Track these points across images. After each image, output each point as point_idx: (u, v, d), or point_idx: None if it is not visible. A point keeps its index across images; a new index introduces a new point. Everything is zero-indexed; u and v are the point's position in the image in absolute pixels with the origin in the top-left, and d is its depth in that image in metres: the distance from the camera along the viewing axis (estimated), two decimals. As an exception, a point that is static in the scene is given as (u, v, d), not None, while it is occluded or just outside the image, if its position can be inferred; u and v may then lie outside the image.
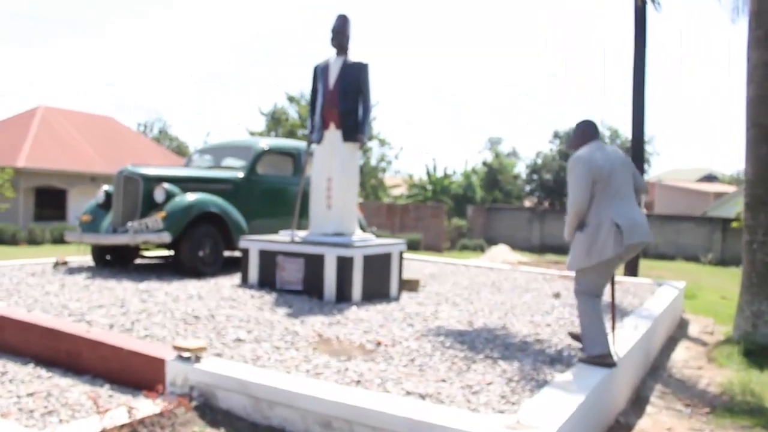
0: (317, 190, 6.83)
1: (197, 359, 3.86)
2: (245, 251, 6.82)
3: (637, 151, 11.15)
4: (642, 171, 11.33)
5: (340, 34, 6.73)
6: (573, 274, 4.56)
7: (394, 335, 4.88)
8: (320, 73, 6.86)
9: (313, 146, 6.94)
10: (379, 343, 4.60)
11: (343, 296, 6.15)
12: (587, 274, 4.39)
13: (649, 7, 11.09)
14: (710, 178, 54.74)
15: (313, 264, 6.30)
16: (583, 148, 4.42)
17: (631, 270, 11.00)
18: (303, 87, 34.45)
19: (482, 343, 4.80)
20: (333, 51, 6.83)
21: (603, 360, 4.23)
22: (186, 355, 3.88)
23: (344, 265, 6.14)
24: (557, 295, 7.29)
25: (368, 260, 6.37)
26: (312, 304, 5.90)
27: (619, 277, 9.59)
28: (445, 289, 7.46)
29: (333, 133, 6.72)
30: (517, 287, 7.92)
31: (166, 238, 7.15)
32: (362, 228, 8.70)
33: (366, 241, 6.56)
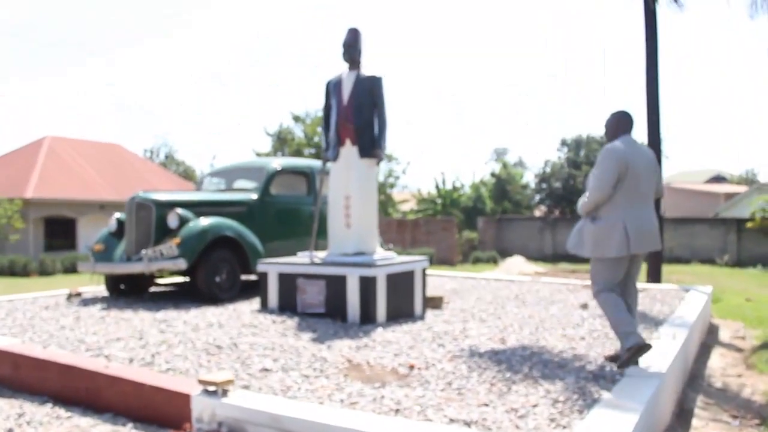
0: (335, 208, 6.65)
1: (224, 393, 3.66)
2: (264, 275, 6.63)
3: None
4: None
5: (352, 48, 6.58)
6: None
7: (426, 357, 4.67)
8: (333, 88, 6.70)
9: (329, 164, 6.77)
10: (412, 367, 4.39)
11: (368, 317, 5.94)
12: (598, 268, 4.40)
13: (661, 8, 10.90)
14: (718, 179, 54.41)
15: (335, 285, 6.11)
16: (618, 141, 4.37)
17: (654, 276, 10.75)
18: (301, 85, 34.49)
19: (519, 361, 4.58)
20: (345, 65, 6.69)
21: (639, 346, 4.13)
22: (212, 389, 3.68)
23: (367, 285, 5.94)
24: (585, 306, 7.07)
25: (391, 279, 6.17)
26: (336, 328, 5.70)
27: (644, 285, 9.36)
28: (470, 304, 7.24)
29: (349, 150, 6.55)
30: (542, 300, 7.70)
31: (182, 264, 6.97)
32: (381, 246, 8.51)
33: (388, 260, 6.36)
